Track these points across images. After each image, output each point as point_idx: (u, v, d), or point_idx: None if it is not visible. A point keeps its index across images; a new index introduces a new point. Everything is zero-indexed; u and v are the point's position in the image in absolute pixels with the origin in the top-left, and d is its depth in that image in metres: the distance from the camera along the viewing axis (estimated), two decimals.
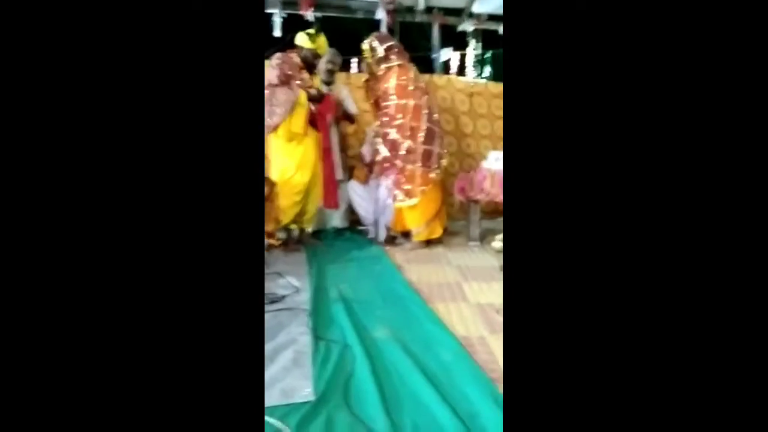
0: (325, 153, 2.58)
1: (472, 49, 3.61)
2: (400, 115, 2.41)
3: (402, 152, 2.42)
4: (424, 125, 2.43)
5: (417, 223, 2.52)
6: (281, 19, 3.00)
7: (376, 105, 2.62)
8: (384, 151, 2.48)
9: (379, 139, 2.50)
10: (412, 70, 2.50)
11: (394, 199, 2.49)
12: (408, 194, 2.46)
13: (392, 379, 1.20)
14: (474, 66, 3.68)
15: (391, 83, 2.41)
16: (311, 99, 2.40)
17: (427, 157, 2.44)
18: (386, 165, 2.49)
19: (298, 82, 2.37)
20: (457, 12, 3.30)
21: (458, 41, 3.72)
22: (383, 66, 2.43)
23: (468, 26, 3.37)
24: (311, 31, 2.43)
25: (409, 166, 2.43)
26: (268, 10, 2.99)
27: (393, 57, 2.45)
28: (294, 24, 2.80)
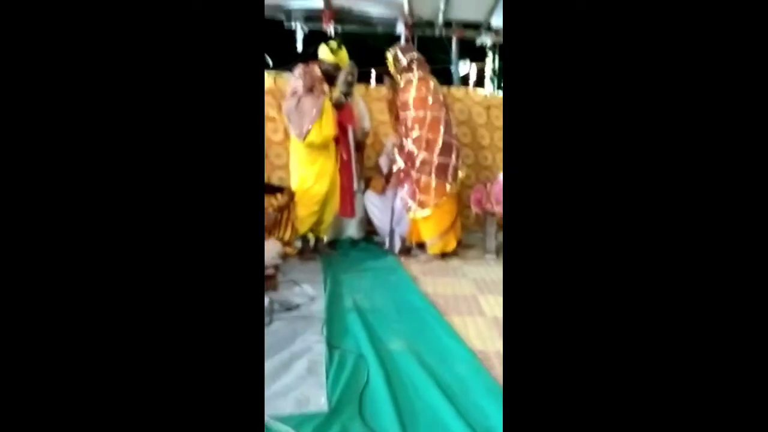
0: (344, 163, 2.61)
1: (490, 63, 3.62)
2: (417, 126, 2.42)
3: (417, 164, 2.43)
4: (440, 138, 2.44)
5: (431, 235, 2.50)
6: (303, 34, 3.08)
7: (396, 118, 2.65)
8: (400, 162, 2.49)
9: (397, 150, 2.52)
10: (432, 83, 2.52)
11: (408, 209, 2.49)
12: (421, 205, 2.45)
13: (407, 391, 1.18)
14: (491, 79, 3.68)
15: (410, 94, 2.43)
16: (334, 106, 2.44)
17: (442, 169, 2.44)
18: (402, 176, 2.50)
19: (320, 92, 2.42)
20: (476, 26, 3.33)
21: (477, 54, 3.74)
22: (405, 76, 2.45)
23: (486, 40, 3.39)
24: (333, 44, 2.48)
25: (424, 178, 2.43)
26: (291, 25, 3.07)
27: (415, 68, 2.48)
28: (316, 38, 2.87)
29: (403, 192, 2.50)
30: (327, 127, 2.36)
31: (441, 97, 2.55)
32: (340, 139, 2.55)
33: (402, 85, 2.47)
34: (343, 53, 2.46)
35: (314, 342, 1.46)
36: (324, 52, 2.45)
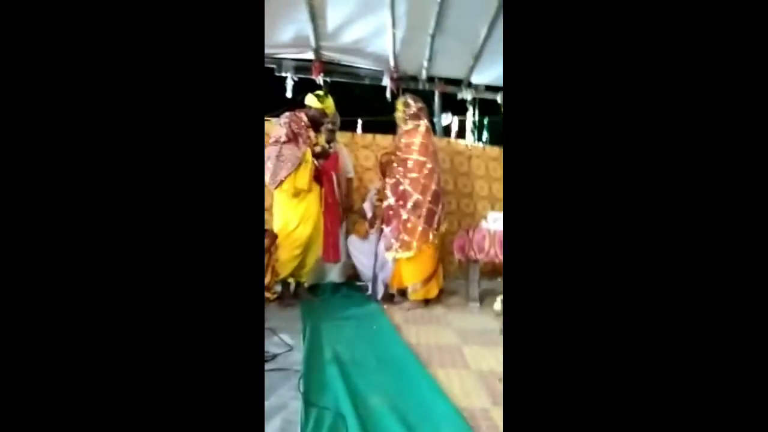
0: (328, 207, 2.61)
1: (471, 115, 3.82)
2: (417, 169, 2.47)
3: (410, 204, 2.45)
4: (433, 186, 2.51)
5: (413, 280, 2.48)
6: (293, 82, 3.20)
7: (383, 167, 2.71)
8: (391, 199, 2.51)
9: (389, 188, 2.53)
10: (431, 134, 2.65)
11: (390, 248, 2.48)
12: (405, 246, 2.45)
13: None
14: (472, 131, 3.87)
15: (416, 139, 2.51)
16: (316, 156, 2.49)
17: (431, 216, 2.47)
18: (391, 213, 2.51)
19: (304, 140, 2.47)
20: (457, 82, 3.55)
21: (458, 107, 3.95)
22: (413, 122, 2.55)
23: (467, 95, 3.60)
24: (320, 93, 2.58)
25: (413, 219, 2.45)
26: (282, 74, 3.19)
27: (423, 117, 2.60)
28: (305, 87, 2.98)
29: (387, 231, 2.50)
30: (301, 180, 2.39)
31: (435, 149, 2.65)
32: (324, 183, 2.58)
33: (408, 128, 2.55)
34: (329, 101, 2.55)
35: (290, 398, 1.37)
36: (311, 99, 2.54)
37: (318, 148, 2.50)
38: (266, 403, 1.33)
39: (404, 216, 2.46)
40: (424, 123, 2.58)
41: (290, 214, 2.47)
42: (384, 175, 2.76)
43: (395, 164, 2.54)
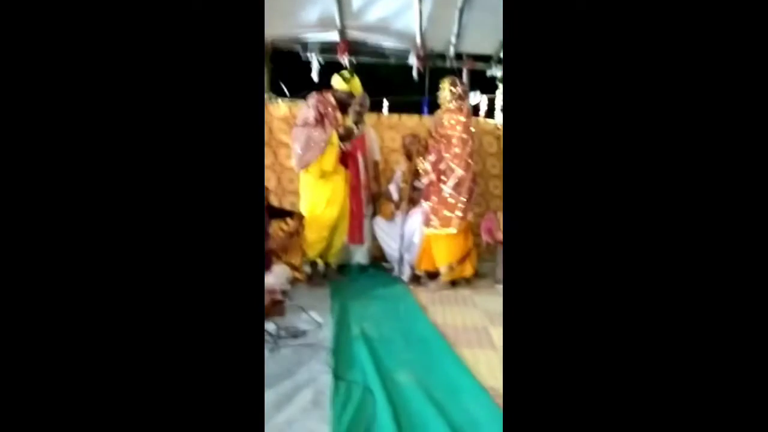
0: (353, 190, 2.62)
1: (501, 93, 3.68)
2: (460, 146, 2.45)
3: (452, 181, 2.44)
4: (473, 165, 2.50)
5: (448, 260, 2.47)
6: (319, 65, 3.19)
7: (407, 148, 2.71)
8: (432, 176, 2.49)
9: (430, 164, 2.50)
10: (471, 115, 2.64)
11: (428, 224, 2.46)
12: (445, 222, 2.43)
13: (415, 428, 1.12)
14: (502, 109, 3.74)
15: (461, 118, 2.49)
16: (342, 138, 2.49)
17: (470, 194, 2.47)
18: (430, 189, 2.49)
19: (331, 121, 2.47)
20: (486, 58, 3.41)
21: (487, 85, 3.82)
22: (458, 103, 2.53)
23: (496, 71, 3.46)
24: (346, 73, 2.56)
25: (454, 195, 2.43)
26: (307, 56, 3.19)
27: (466, 98, 2.60)
28: (331, 69, 2.96)
29: (426, 206, 2.48)
30: (327, 162, 2.41)
31: None
32: (350, 165, 2.58)
33: (452, 107, 2.53)
34: (356, 81, 2.53)
35: (319, 372, 1.41)
36: (337, 81, 2.52)
37: (342, 130, 2.49)
38: (297, 376, 1.38)
39: (446, 192, 2.44)
40: (467, 103, 2.58)
41: (317, 195, 2.49)
42: (409, 156, 2.74)
43: (435, 141, 2.51)
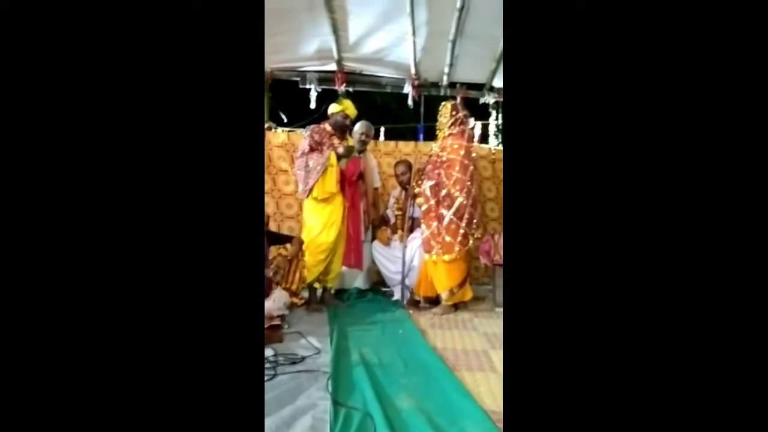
0: (350, 213, 2.65)
1: (494, 119, 3.79)
2: (462, 172, 2.46)
3: (454, 206, 2.43)
4: (474, 190, 2.50)
5: (450, 284, 2.45)
6: (316, 93, 3.30)
7: (402, 182, 2.76)
8: (431, 202, 2.48)
9: (429, 190, 2.50)
10: (472, 140, 2.69)
11: (429, 251, 2.45)
12: (446, 248, 2.42)
13: None
14: (495, 135, 3.84)
15: (462, 142, 2.53)
16: (340, 157, 2.52)
17: (470, 220, 2.46)
18: (431, 215, 2.48)
19: (328, 146, 2.54)
20: (479, 86, 3.54)
21: (480, 112, 3.94)
22: (459, 128, 2.56)
23: (489, 99, 3.58)
24: (339, 99, 2.66)
25: (455, 222, 2.43)
26: (306, 86, 3.30)
27: (467, 122, 2.64)
28: (328, 97, 3.06)
29: (427, 233, 2.47)
30: (329, 182, 2.47)
31: None
32: (345, 189, 2.62)
33: (454, 132, 2.55)
34: (347, 102, 2.62)
35: (319, 398, 1.39)
36: (332, 107, 2.63)
37: (341, 150, 2.53)
38: (296, 403, 1.36)
39: (447, 218, 2.43)
40: (468, 128, 2.62)
41: (315, 219, 2.53)
42: (401, 185, 2.78)
43: (434, 166, 2.53)
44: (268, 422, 1.23)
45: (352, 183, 2.66)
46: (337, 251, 2.58)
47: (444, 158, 2.51)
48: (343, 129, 2.60)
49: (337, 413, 1.29)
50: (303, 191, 2.48)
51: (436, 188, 2.50)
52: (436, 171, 2.52)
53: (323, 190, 2.46)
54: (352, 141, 2.66)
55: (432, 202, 2.50)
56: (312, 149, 2.49)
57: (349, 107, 2.59)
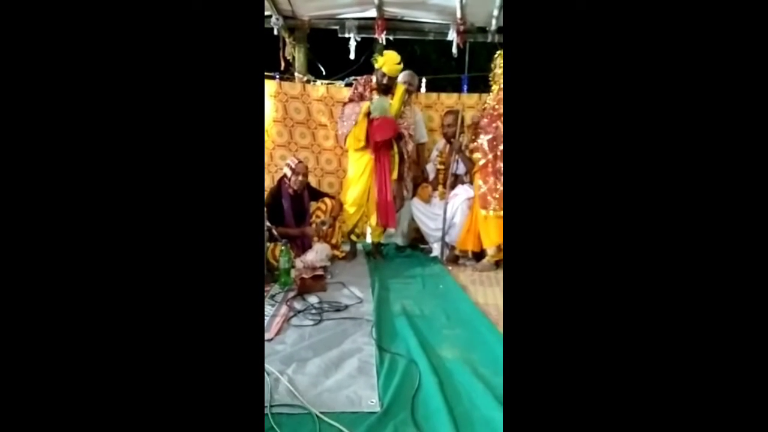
0: (377, 170, 2.52)
1: None
2: None
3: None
4: None
5: (493, 243, 2.39)
6: (356, 43, 3.16)
7: (447, 134, 2.66)
8: (489, 156, 2.37)
9: (486, 144, 2.37)
10: None
11: (486, 207, 2.36)
12: (502, 204, 2.36)
13: (462, 400, 1.12)
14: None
15: None
16: (366, 113, 2.40)
17: None
18: (488, 169, 2.38)
19: (366, 99, 2.47)
20: None
21: None
22: None
23: None
24: (377, 55, 2.54)
25: None
26: (345, 35, 3.16)
27: None
28: (368, 46, 2.93)
29: (485, 188, 2.37)
30: (359, 132, 2.43)
31: None
32: (371, 146, 2.46)
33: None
34: (388, 55, 2.42)
35: (364, 343, 1.44)
36: (377, 61, 2.51)
37: (371, 102, 2.41)
38: (342, 346, 1.41)
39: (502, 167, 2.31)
40: None
41: (351, 169, 2.58)
42: (447, 137, 2.66)
43: (491, 120, 2.39)
44: (317, 362, 1.29)
45: (377, 144, 2.47)
46: (365, 205, 2.54)
47: (501, 112, 2.35)
48: (380, 85, 2.47)
49: (382, 357, 1.33)
50: (340, 139, 2.54)
51: (493, 142, 2.37)
52: (494, 125, 2.38)
53: (355, 138, 2.44)
54: (397, 95, 2.51)
55: (490, 156, 2.37)
56: (350, 100, 2.48)
57: (387, 62, 2.40)
